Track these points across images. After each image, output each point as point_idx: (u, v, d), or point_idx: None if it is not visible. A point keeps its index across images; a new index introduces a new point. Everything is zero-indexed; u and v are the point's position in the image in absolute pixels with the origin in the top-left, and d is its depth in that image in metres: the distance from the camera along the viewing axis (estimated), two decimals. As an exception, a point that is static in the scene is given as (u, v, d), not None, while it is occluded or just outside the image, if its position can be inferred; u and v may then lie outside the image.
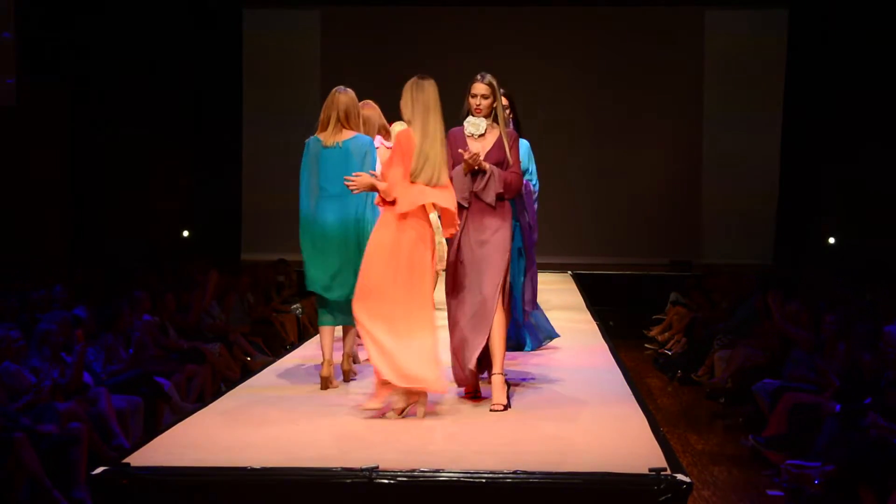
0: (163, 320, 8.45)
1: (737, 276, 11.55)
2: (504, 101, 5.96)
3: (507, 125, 5.27)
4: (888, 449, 5.44)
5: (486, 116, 5.06)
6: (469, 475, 3.82)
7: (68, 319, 6.85)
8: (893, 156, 13.54)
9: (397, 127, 6.25)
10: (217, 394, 6.01)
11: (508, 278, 5.05)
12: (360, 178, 4.89)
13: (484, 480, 3.80)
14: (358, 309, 4.78)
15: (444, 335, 5.02)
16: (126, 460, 3.99)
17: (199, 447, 4.27)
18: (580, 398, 5.30)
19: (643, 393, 6.57)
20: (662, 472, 3.79)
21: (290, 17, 15.35)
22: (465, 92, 5.12)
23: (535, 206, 6.31)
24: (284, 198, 14.83)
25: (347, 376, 5.61)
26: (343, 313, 5.42)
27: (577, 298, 9.55)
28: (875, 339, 6.73)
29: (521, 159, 5.29)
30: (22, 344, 6.30)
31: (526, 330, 6.55)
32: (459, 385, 5.12)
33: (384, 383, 4.70)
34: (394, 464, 3.90)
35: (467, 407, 5.01)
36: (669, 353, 11.06)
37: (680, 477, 3.78)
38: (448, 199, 4.82)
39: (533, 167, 6.34)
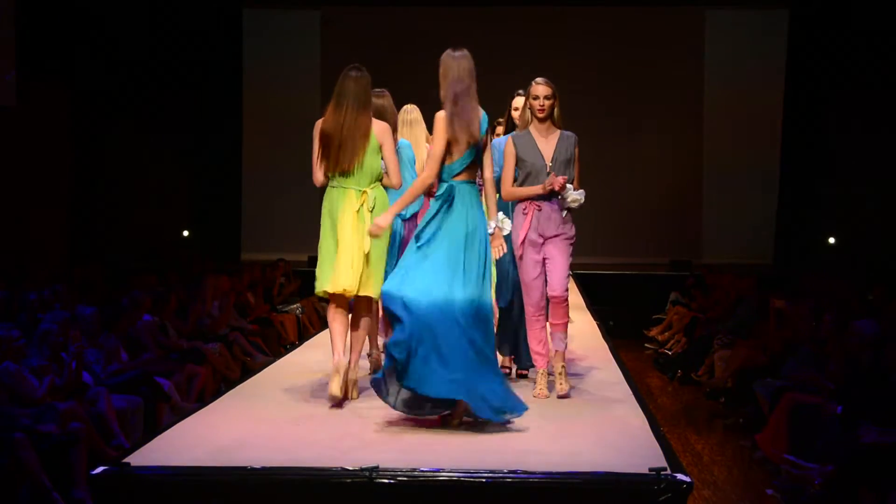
0: (163, 320, 8.45)
1: (737, 276, 11.55)
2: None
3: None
4: (886, 451, 5.44)
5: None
6: (469, 475, 3.82)
7: (68, 319, 6.85)
8: (894, 155, 13.54)
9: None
10: (217, 394, 6.01)
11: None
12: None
13: (484, 480, 3.80)
14: None
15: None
16: (126, 460, 3.99)
17: (199, 447, 4.27)
18: (580, 398, 5.30)
19: (643, 393, 6.56)
20: (662, 472, 3.79)
21: (290, 17, 15.37)
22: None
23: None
24: (284, 198, 14.91)
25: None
26: None
27: (577, 298, 9.54)
28: (874, 339, 6.73)
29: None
30: (22, 343, 6.30)
31: None
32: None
33: None
34: (394, 464, 3.90)
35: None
36: (669, 353, 11.06)
37: (680, 477, 3.78)
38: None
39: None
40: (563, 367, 5.38)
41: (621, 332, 10.49)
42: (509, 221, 5.26)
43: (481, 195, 4.95)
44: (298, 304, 11.48)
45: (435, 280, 4.60)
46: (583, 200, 5.25)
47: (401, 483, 3.79)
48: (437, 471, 3.86)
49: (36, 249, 12.25)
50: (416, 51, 14.19)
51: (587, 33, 15.06)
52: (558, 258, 5.30)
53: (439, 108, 4.81)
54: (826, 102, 14.29)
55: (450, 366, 4.51)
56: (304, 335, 10.26)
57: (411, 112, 6.22)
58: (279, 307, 11.31)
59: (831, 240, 14.51)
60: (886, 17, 13.35)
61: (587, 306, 9.01)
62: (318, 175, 5.21)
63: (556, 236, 5.31)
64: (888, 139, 13.59)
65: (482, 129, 4.82)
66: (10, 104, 11.97)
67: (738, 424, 8.06)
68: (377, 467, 3.81)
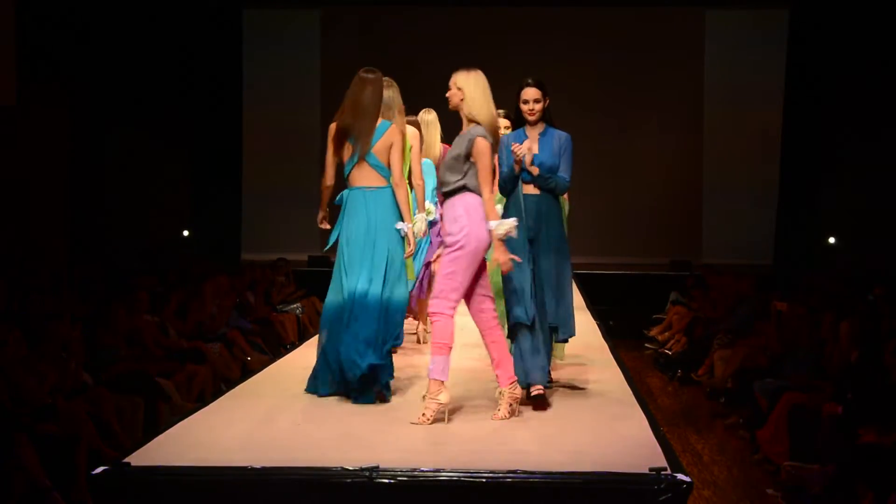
0: (163, 320, 8.45)
1: (737, 276, 11.55)
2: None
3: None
4: (886, 451, 5.44)
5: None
6: (469, 475, 3.82)
7: (68, 319, 6.85)
8: (894, 155, 13.54)
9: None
10: (217, 394, 6.01)
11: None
12: None
13: (484, 480, 3.80)
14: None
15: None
16: (126, 460, 3.99)
17: (199, 447, 4.27)
18: (580, 398, 5.30)
19: (643, 393, 6.56)
20: (662, 472, 3.79)
21: (290, 17, 15.37)
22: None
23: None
24: (284, 198, 14.91)
25: None
26: None
27: (577, 298, 9.50)
28: (875, 339, 6.73)
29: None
30: (22, 344, 6.30)
31: None
32: None
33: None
34: (394, 464, 3.90)
35: (467, 407, 5.02)
36: (669, 353, 11.06)
37: (680, 477, 3.78)
38: None
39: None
40: (425, 394, 4.79)
41: (621, 332, 10.49)
42: (421, 226, 5.16)
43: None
44: (298, 304, 11.47)
45: (335, 283, 5.20)
46: (511, 231, 4.77)
47: (401, 483, 3.79)
48: (437, 471, 3.85)
49: (36, 249, 12.24)
50: (417, 51, 14.19)
51: (587, 33, 15.05)
52: (438, 271, 4.94)
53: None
54: (826, 102, 14.28)
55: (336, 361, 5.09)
56: (304, 335, 10.25)
57: (428, 114, 6.80)
58: (279, 307, 11.30)
59: (831, 240, 14.50)
60: (886, 18, 13.35)
61: (587, 306, 9.00)
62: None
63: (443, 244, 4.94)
64: (888, 138, 13.58)
65: (375, 139, 5.15)
66: (10, 104, 11.97)
67: (738, 424, 8.06)
68: (377, 467, 3.81)
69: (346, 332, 5.07)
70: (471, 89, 4.87)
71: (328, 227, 5.46)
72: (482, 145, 4.80)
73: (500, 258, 4.77)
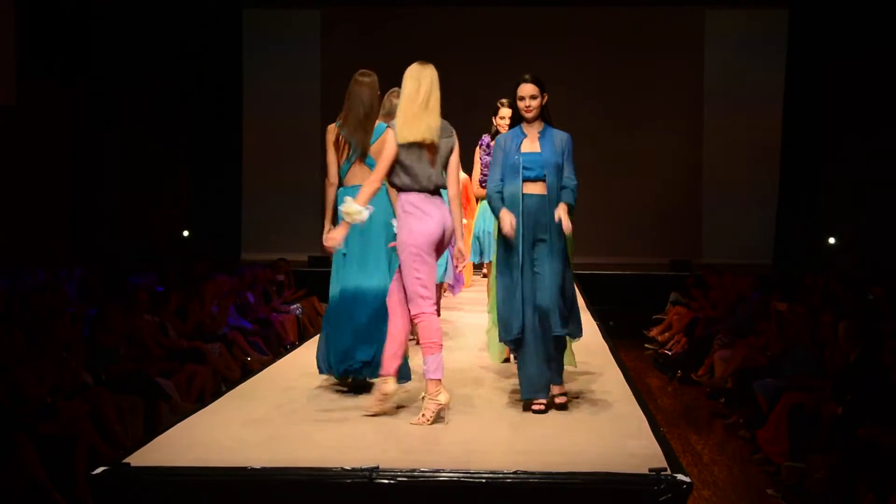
0: (163, 320, 8.45)
1: (737, 276, 11.55)
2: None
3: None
4: (886, 451, 5.44)
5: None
6: (469, 475, 3.82)
7: (68, 318, 6.85)
8: (894, 155, 13.55)
9: None
10: (217, 394, 6.01)
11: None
12: None
13: (484, 480, 3.80)
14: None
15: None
16: (126, 460, 3.99)
17: (199, 447, 4.27)
18: (580, 398, 5.30)
19: (643, 393, 6.56)
20: (662, 472, 3.79)
21: (290, 17, 15.37)
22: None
23: None
24: (284, 198, 14.91)
25: None
26: None
27: (577, 299, 9.52)
28: (874, 339, 6.73)
29: None
30: (22, 344, 6.30)
31: None
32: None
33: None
34: (394, 464, 3.90)
35: (467, 407, 5.02)
36: (669, 353, 11.05)
37: (680, 477, 3.78)
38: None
39: None
40: (424, 395, 4.78)
41: (621, 332, 10.49)
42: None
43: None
44: (298, 304, 11.47)
45: (334, 279, 5.37)
46: (357, 217, 4.69)
47: (401, 483, 3.79)
48: (437, 471, 3.85)
49: (36, 249, 12.24)
50: (417, 51, 14.16)
51: (587, 33, 15.06)
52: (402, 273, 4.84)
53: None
54: (826, 102, 14.29)
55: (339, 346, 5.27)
56: (304, 335, 10.25)
57: None
58: (279, 307, 11.29)
59: (831, 240, 14.51)
60: (886, 17, 13.35)
61: (587, 306, 9.00)
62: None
63: None
64: (888, 138, 13.59)
65: (372, 140, 5.26)
66: (10, 104, 11.98)
67: (738, 424, 8.06)
68: (377, 467, 3.81)
69: (345, 327, 5.21)
70: (404, 81, 4.83)
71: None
72: (387, 136, 4.85)
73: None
